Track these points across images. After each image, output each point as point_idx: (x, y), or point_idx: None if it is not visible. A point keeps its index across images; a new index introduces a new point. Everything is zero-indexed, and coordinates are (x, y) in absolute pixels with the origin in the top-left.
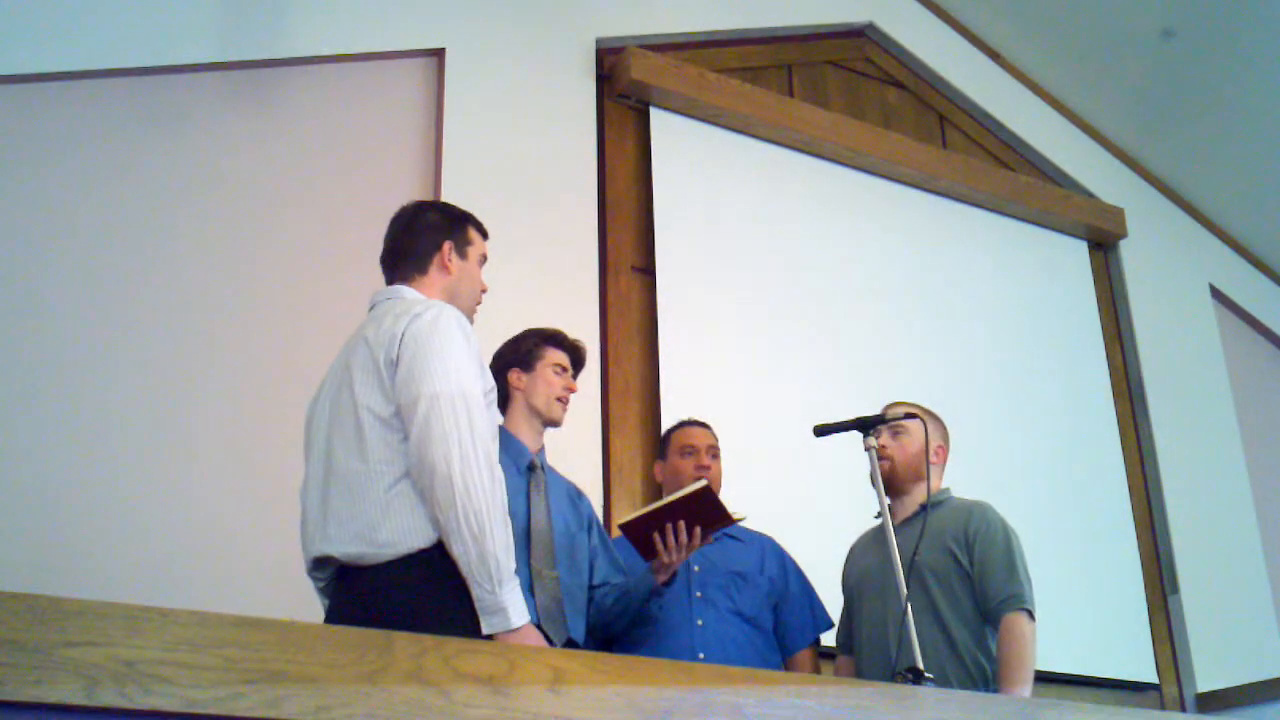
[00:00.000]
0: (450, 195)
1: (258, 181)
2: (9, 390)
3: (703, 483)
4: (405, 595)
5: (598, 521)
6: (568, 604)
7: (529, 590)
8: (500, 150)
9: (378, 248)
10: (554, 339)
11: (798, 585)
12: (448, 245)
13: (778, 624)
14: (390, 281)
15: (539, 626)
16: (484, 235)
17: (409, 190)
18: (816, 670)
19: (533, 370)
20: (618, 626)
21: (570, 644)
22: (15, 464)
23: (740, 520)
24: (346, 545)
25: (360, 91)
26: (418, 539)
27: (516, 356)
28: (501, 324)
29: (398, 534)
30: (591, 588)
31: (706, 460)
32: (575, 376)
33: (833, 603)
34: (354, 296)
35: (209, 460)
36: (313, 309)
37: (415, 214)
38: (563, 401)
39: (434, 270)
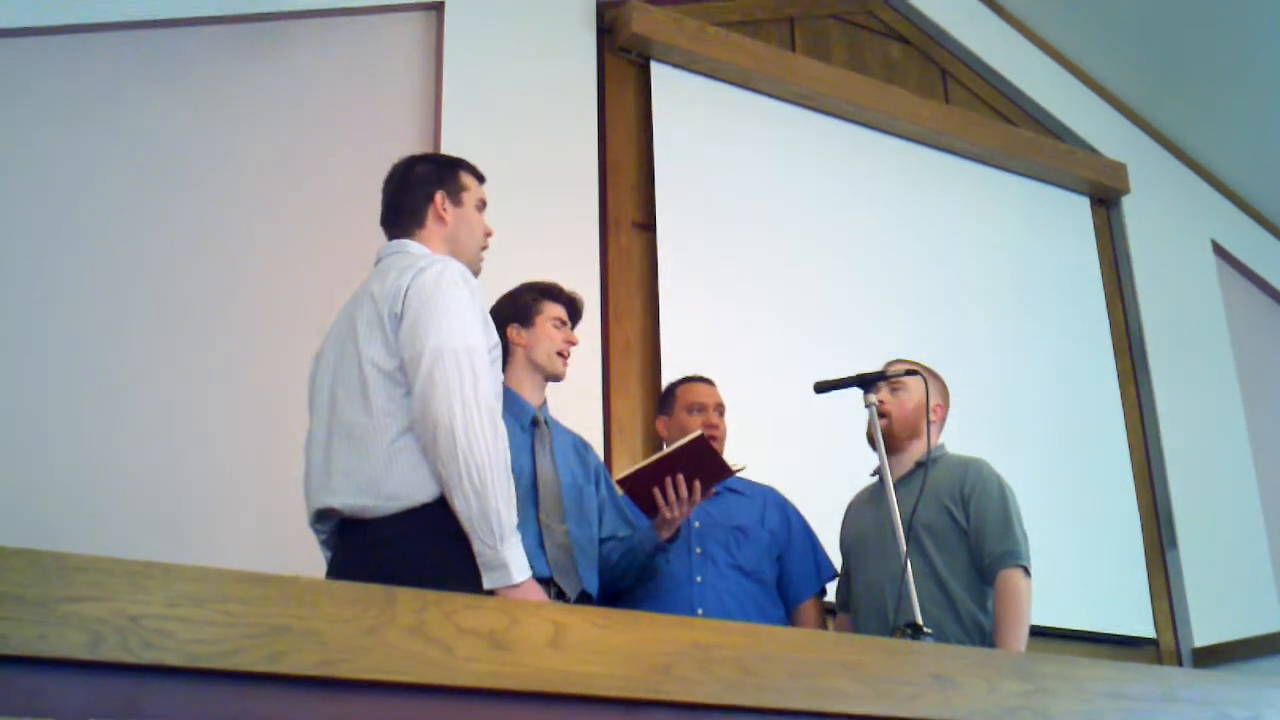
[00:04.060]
0: (449, 150)
1: (257, 134)
2: (10, 345)
3: (698, 433)
4: (407, 548)
5: (605, 473)
6: (579, 556)
7: (539, 545)
8: (500, 105)
9: (376, 202)
10: (551, 292)
11: (801, 536)
12: (440, 195)
13: (781, 576)
14: (392, 238)
15: (551, 580)
16: (480, 180)
17: (408, 145)
18: (822, 621)
19: (532, 325)
20: (624, 583)
21: (584, 596)
22: (19, 420)
23: (740, 470)
24: (349, 498)
25: (359, 46)
26: (421, 492)
27: (514, 312)
28: (501, 280)
29: (401, 487)
30: (600, 541)
31: (715, 418)
32: (573, 328)
33: (833, 557)
34: (353, 250)
35: (212, 415)
36: (313, 263)
37: (406, 169)
38: (563, 355)
39: (431, 222)
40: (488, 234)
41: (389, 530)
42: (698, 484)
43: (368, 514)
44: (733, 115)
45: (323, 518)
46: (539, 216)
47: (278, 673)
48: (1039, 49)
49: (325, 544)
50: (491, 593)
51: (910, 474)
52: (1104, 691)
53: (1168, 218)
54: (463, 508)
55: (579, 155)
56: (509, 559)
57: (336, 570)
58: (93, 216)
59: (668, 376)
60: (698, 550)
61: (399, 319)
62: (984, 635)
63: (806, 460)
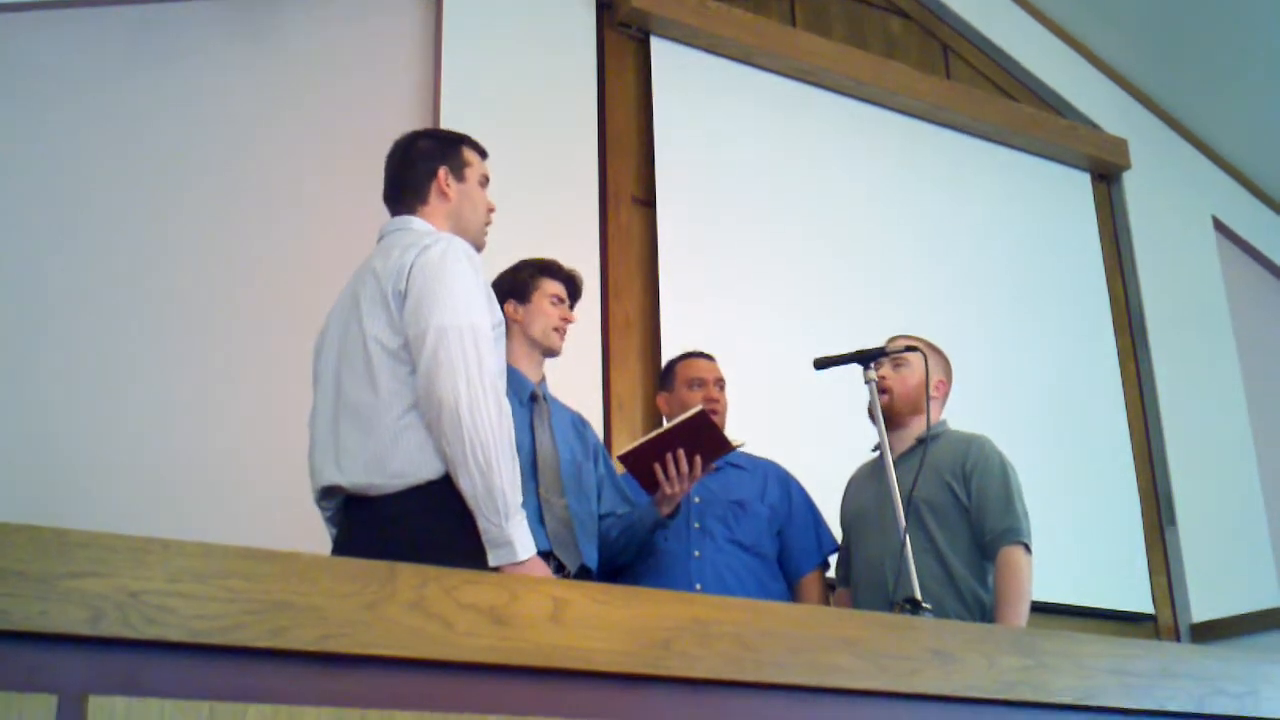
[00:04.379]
0: (449, 125)
1: (253, 113)
2: (11, 324)
3: (698, 408)
4: (413, 525)
5: (604, 451)
6: (579, 530)
7: (539, 519)
8: (499, 80)
9: (375, 178)
10: (549, 269)
11: (802, 509)
12: (443, 171)
13: (782, 549)
14: (395, 215)
15: (551, 553)
16: (482, 155)
17: (407, 120)
18: (825, 594)
19: (529, 301)
20: (623, 559)
21: (584, 570)
22: (22, 399)
23: (740, 445)
24: (356, 476)
25: (358, 21)
26: (426, 470)
27: (512, 288)
28: (501, 256)
29: (406, 465)
30: (599, 518)
31: (715, 393)
32: (572, 306)
33: (835, 531)
34: (352, 228)
35: (215, 395)
36: (312, 241)
37: (409, 145)
38: (560, 331)
39: (434, 198)
40: (491, 209)
41: (394, 508)
42: (698, 459)
43: (373, 491)
44: (733, 91)
45: (328, 495)
46: (538, 192)
47: (278, 648)
48: (1040, 24)
49: (330, 521)
50: (497, 570)
51: (911, 450)
52: (1103, 667)
53: (1168, 193)
54: (468, 486)
55: (579, 131)
56: (514, 536)
57: (342, 547)
58: (89, 195)
59: (667, 353)
60: (696, 525)
61: (403, 297)
62: (985, 611)
63: (807, 436)
